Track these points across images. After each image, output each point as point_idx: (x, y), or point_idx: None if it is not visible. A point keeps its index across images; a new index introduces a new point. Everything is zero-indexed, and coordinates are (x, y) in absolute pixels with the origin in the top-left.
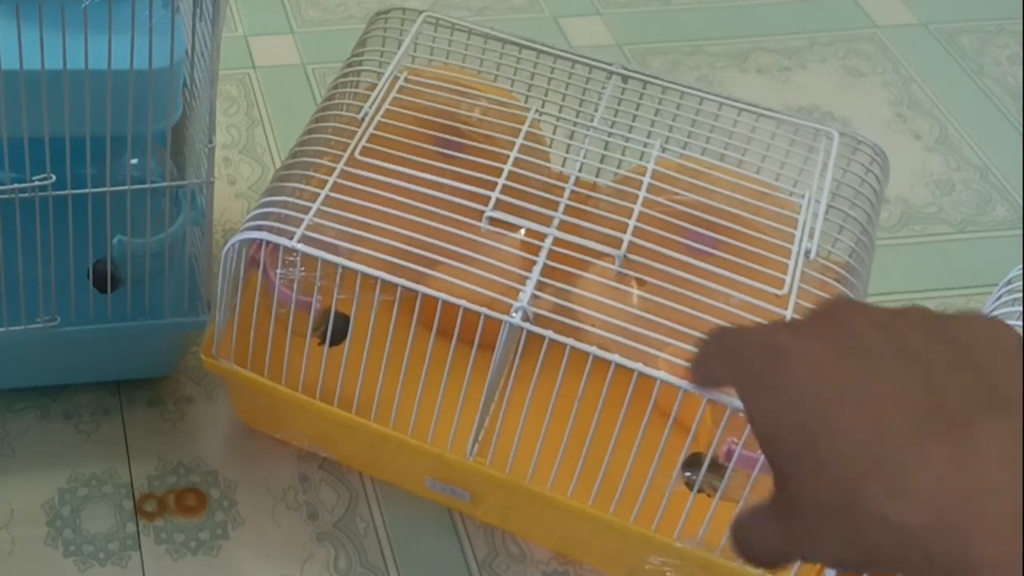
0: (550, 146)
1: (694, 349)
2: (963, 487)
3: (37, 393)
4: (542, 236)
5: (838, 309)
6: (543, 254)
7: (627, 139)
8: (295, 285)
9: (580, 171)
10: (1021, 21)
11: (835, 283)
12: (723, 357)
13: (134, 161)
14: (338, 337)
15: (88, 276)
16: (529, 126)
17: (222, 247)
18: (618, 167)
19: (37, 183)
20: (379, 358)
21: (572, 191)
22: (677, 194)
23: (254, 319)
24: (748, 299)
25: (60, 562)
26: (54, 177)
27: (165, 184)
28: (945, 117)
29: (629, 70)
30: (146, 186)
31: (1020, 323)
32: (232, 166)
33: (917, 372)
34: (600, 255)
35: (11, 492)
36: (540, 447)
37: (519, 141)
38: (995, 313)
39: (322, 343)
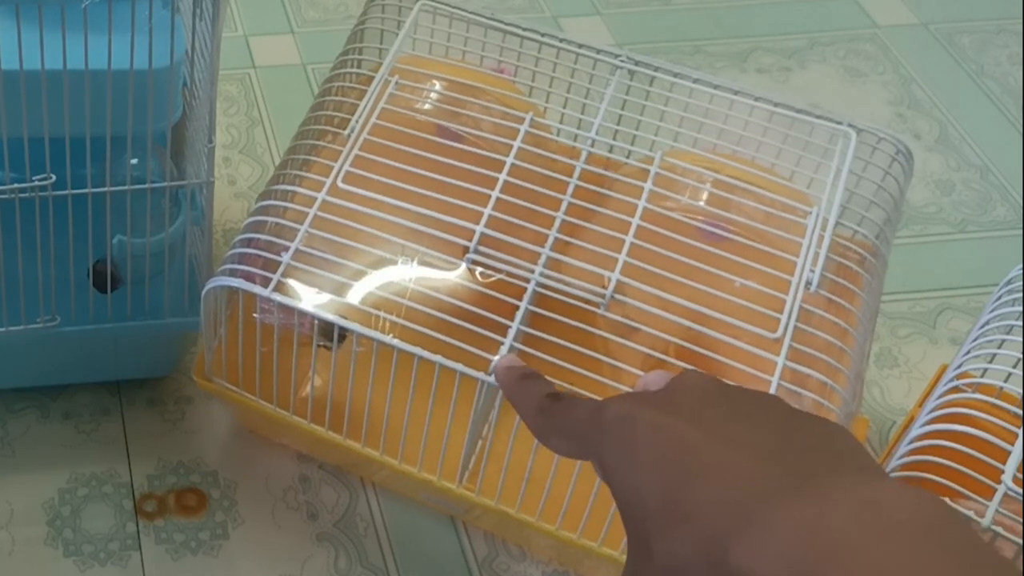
0: (556, 135)
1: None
2: (822, 543)
3: (37, 393)
4: (527, 279)
5: (688, 383)
6: (526, 299)
7: (633, 138)
8: (276, 323)
9: (579, 178)
10: (1021, 21)
11: (836, 320)
12: (560, 435)
13: (134, 161)
14: (339, 337)
15: (88, 276)
16: (530, 126)
17: (223, 248)
18: (625, 161)
19: (37, 183)
20: (366, 383)
21: (570, 203)
22: (679, 201)
23: (240, 342)
24: (742, 345)
25: (60, 562)
26: (54, 177)
27: (165, 184)
28: (945, 117)
29: (636, 62)
30: (146, 186)
31: (1020, 323)
32: (232, 166)
33: (771, 441)
34: (585, 301)
35: (11, 492)
36: (528, 477)
37: (511, 157)
38: (995, 313)
39: (319, 346)
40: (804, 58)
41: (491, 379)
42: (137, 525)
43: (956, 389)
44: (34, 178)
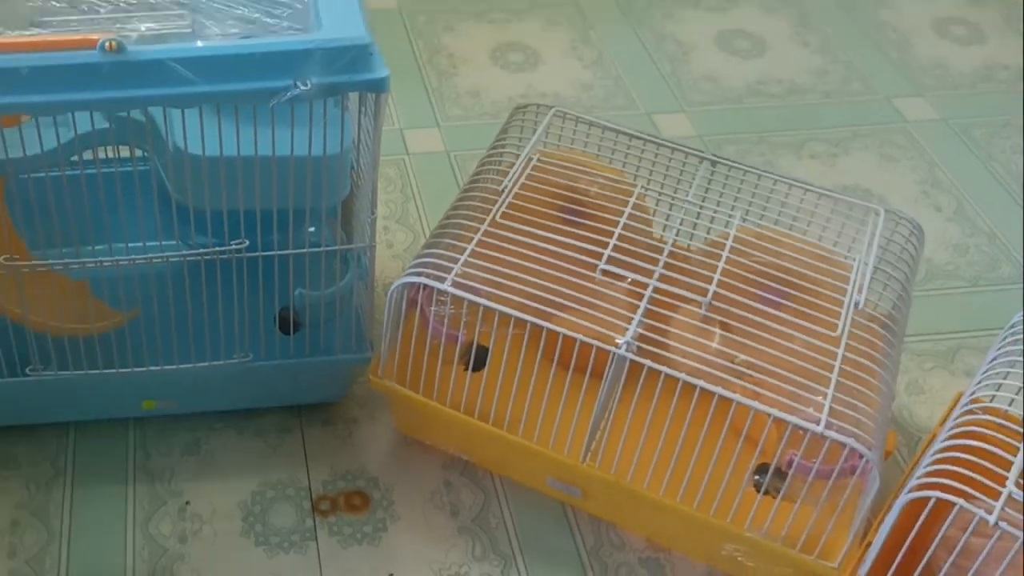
0: (653, 215)
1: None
2: None
3: (234, 415)
4: (645, 285)
5: None
6: (645, 300)
7: (714, 211)
8: (445, 320)
9: (677, 235)
10: (1022, 117)
11: (880, 330)
12: None
13: (312, 229)
14: (479, 365)
15: (275, 321)
16: (636, 199)
17: (383, 298)
18: (707, 234)
19: (234, 247)
20: (511, 381)
21: (670, 251)
22: (753, 255)
23: (412, 347)
24: (808, 339)
25: (252, 550)
26: (247, 242)
27: (336, 248)
28: (961, 194)
29: (718, 157)
30: (321, 249)
31: (1021, 359)
32: (390, 233)
33: None
34: (690, 301)
35: (213, 495)
36: (639, 455)
37: (627, 211)
38: (1001, 351)
39: (466, 369)
40: (848, 146)
41: (620, 351)
42: (314, 521)
43: (970, 411)
44: (232, 242)
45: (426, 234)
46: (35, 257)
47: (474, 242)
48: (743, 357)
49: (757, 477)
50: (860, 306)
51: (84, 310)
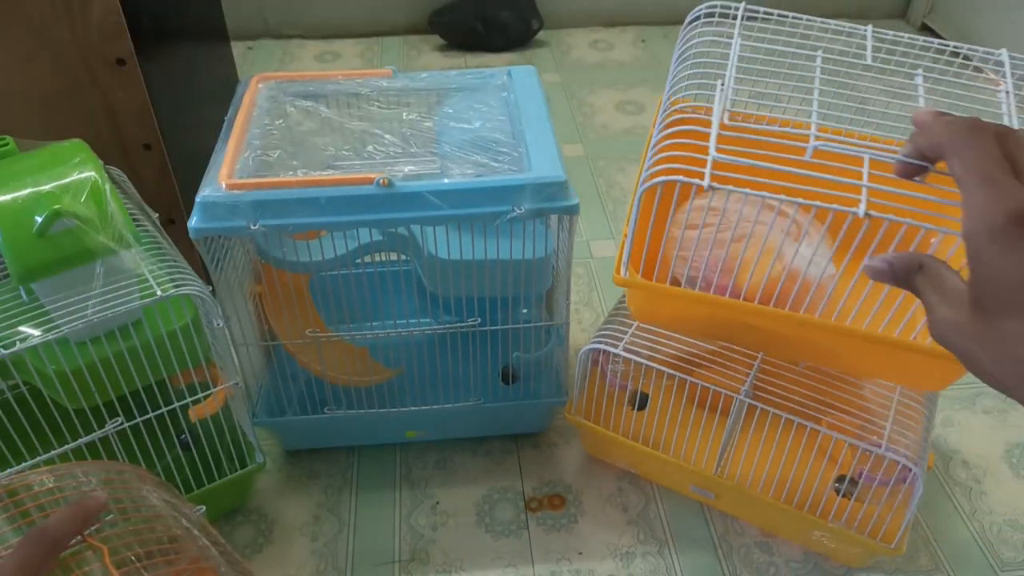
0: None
1: (843, 416)
2: None
3: (470, 441)
4: (756, 356)
5: None
6: (758, 361)
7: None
8: (619, 375)
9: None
10: None
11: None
12: (1010, 220)
13: (524, 310)
14: (642, 406)
15: (499, 375)
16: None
17: (575, 359)
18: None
19: (470, 323)
20: (664, 417)
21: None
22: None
23: (595, 393)
24: (873, 387)
25: (482, 536)
26: (479, 319)
27: (542, 324)
28: None
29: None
30: (531, 325)
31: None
32: (579, 313)
33: None
34: (789, 364)
35: (455, 497)
36: (754, 468)
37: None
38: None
39: (633, 409)
40: None
41: (741, 396)
42: (526, 515)
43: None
44: (468, 320)
45: (605, 314)
46: (330, 330)
47: (635, 325)
48: (828, 400)
49: (836, 484)
50: None
51: (365, 368)
